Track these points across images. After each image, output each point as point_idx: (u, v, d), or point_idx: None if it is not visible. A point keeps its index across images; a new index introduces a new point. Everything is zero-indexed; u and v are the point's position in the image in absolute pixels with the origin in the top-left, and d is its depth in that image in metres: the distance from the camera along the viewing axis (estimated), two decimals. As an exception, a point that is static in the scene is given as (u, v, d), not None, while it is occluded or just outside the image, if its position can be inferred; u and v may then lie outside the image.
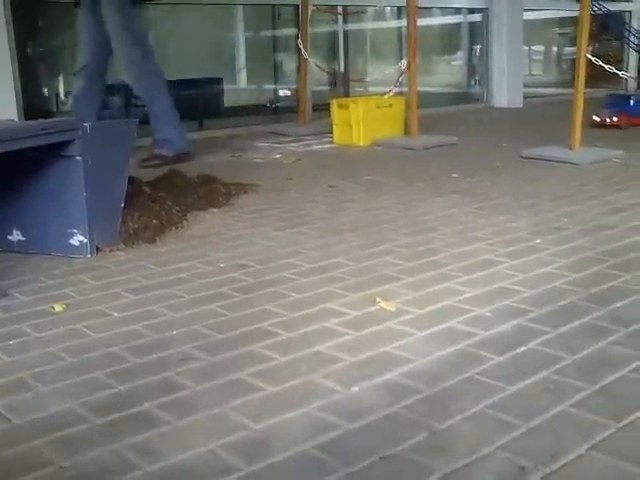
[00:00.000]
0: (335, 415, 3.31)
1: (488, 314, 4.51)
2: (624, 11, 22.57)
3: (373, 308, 4.65)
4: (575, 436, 3.09)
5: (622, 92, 14.64)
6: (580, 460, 2.93)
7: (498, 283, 5.07)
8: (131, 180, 6.68)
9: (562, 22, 22.69)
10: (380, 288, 5.01)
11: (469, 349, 4.01)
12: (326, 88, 16.66)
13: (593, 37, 16.41)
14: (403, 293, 4.91)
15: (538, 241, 6.09)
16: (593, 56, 10.84)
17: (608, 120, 12.74)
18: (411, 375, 3.71)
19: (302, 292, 4.99)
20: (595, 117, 12.84)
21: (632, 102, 13.14)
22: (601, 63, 10.58)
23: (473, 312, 4.54)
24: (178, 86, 14.58)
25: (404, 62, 13.67)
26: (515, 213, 7.08)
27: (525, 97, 18.47)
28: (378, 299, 4.75)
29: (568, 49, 22.00)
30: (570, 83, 11.71)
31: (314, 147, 11.52)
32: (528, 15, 18.98)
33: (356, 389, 3.57)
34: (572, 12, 16.08)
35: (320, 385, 3.62)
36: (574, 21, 14.75)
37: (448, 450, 3.03)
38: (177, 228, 6.74)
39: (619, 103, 13.28)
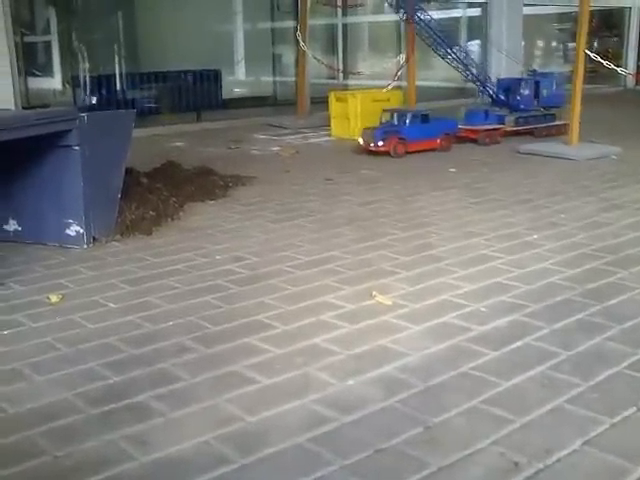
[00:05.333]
0: (330, 408, 3.32)
1: (484, 309, 4.52)
2: (624, 7, 22.60)
3: (369, 302, 4.65)
4: (569, 431, 3.10)
5: (481, 105, 12.17)
6: (574, 455, 2.94)
7: (494, 278, 5.07)
8: (128, 171, 6.66)
9: (561, 18, 22.71)
10: (376, 282, 5.01)
11: (464, 344, 4.02)
12: (325, 81, 16.62)
13: (592, 34, 16.34)
14: (399, 287, 4.92)
15: (535, 237, 6.10)
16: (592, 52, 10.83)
17: (372, 145, 10.09)
18: (406, 369, 3.71)
19: (298, 285, 4.99)
20: (360, 140, 10.46)
21: (481, 117, 11.44)
22: (600, 59, 10.56)
23: (469, 307, 4.54)
24: (175, 78, 14.63)
25: (403, 56, 13.72)
26: (511, 209, 7.08)
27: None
28: (374, 293, 4.75)
29: (568, 44, 22.00)
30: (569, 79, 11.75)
31: (312, 140, 11.51)
32: (527, 10, 18.99)
33: (351, 382, 3.57)
34: (571, 8, 16.05)
35: (315, 378, 3.63)
36: (573, 17, 14.76)
37: (442, 444, 3.04)
38: (174, 219, 6.73)
39: (449, 122, 11.13)
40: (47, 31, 14.91)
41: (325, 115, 12.52)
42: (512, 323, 4.30)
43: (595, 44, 20.59)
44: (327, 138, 11.59)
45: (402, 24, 16.12)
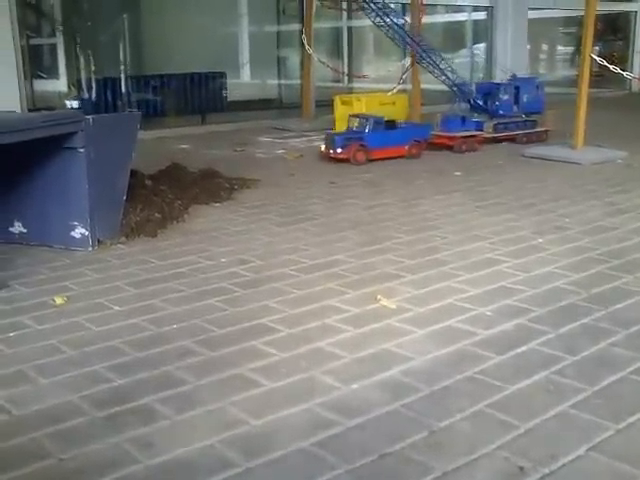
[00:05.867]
0: (335, 412, 3.31)
1: (489, 313, 4.51)
2: (629, 12, 22.59)
3: (374, 305, 4.65)
4: (574, 437, 3.09)
5: (457, 113, 11.48)
6: (579, 461, 2.93)
7: (499, 282, 5.07)
8: (133, 173, 6.67)
9: (567, 22, 22.69)
10: (381, 285, 5.01)
11: (469, 348, 4.01)
12: (330, 84, 16.62)
13: (598, 37, 16.24)
14: (404, 291, 4.91)
15: (540, 240, 6.09)
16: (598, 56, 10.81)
17: (332, 152, 9.79)
18: (411, 373, 3.71)
19: (303, 288, 4.99)
20: (322, 146, 10.15)
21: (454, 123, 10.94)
22: (606, 63, 10.55)
23: (474, 311, 4.54)
24: (180, 80, 14.64)
25: (408, 59, 13.70)
26: (516, 212, 7.08)
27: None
28: (379, 296, 4.75)
29: (572, 48, 21.99)
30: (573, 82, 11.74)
31: (317, 143, 11.47)
32: (532, 14, 19.00)
33: (356, 386, 3.57)
34: (577, 12, 16.02)
35: (320, 382, 3.63)
36: (579, 21, 14.74)
37: (447, 449, 3.03)
38: (178, 222, 6.74)
39: (419, 129, 10.90)
40: (52, 34, 14.95)
41: (330, 118, 12.52)
42: (517, 327, 4.30)
43: (600, 48, 20.51)
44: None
45: (408, 28, 16.18)
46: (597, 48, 17.92)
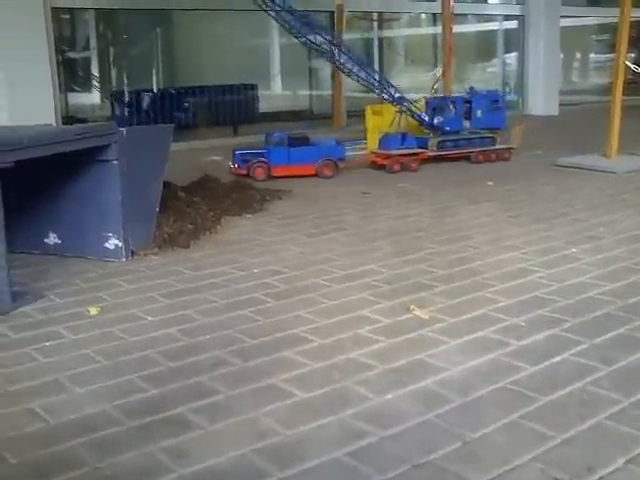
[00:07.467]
0: (368, 422, 3.31)
1: (522, 323, 4.48)
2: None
3: (406, 316, 4.64)
4: (611, 449, 3.05)
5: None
6: (617, 474, 2.89)
7: (533, 292, 5.03)
8: (166, 185, 6.73)
9: (600, 29, 22.49)
10: (414, 296, 5.00)
11: (502, 358, 3.98)
12: (361, 94, 16.62)
13: (632, 44, 15.98)
14: (437, 301, 4.89)
15: (573, 250, 6.04)
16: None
17: (232, 168, 9.63)
18: (444, 384, 3.69)
19: (335, 299, 4.99)
20: (231, 165, 9.77)
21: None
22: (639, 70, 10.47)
23: (507, 321, 4.51)
24: (213, 92, 14.75)
25: (439, 69, 13.66)
26: (549, 222, 7.02)
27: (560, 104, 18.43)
28: (412, 307, 4.73)
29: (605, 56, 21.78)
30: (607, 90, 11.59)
31: (348, 153, 11.46)
32: (565, 22, 18.89)
33: (389, 397, 3.56)
34: (610, 19, 15.90)
35: (353, 392, 3.62)
36: (612, 28, 14.60)
37: (481, 460, 3.01)
38: (211, 233, 6.78)
39: (332, 148, 10.19)
40: (87, 47, 15.16)
41: (361, 129, 12.51)
42: (551, 338, 4.26)
43: (636, 55, 20.31)
44: (363, 152, 11.52)
45: (439, 37, 16.17)
46: (632, 55, 17.69)
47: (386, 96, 10.70)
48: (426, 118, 10.83)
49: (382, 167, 10.27)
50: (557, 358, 3.96)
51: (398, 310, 4.73)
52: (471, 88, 11.82)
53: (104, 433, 3.27)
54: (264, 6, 10.10)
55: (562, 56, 19.79)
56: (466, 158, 10.83)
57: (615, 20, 10.78)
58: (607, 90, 12.06)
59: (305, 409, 3.46)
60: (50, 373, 3.91)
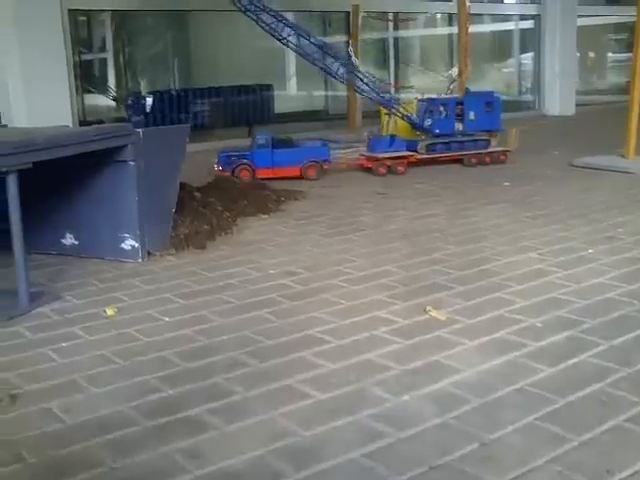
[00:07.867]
0: (385, 423, 3.30)
1: (539, 325, 4.45)
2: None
3: (423, 317, 4.62)
4: (630, 451, 3.03)
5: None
6: (636, 477, 2.86)
7: (550, 293, 5.00)
8: (182, 186, 6.74)
9: (618, 27, 22.36)
10: (430, 297, 4.98)
11: (520, 360, 3.96)
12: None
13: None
14: (454, 302, 4.87)
15: (590, 251, 6.00)
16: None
17: (216, 169, 9.46)
18: (461, 385, 3.67)
19: (351, 300, 4.98)
20: (215, 166, 9.57)
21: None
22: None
23: (524, 322, 4.48)
24: (228, 92, 14.77)
25: (455, 69, 13.62)
26: (566, 222, 6.98)
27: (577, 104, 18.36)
28: (428, 308, 4.71)
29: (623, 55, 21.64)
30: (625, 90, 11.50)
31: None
32: (582, 21, 18.80)
33: (406, 398, 3.55)
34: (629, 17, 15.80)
35: (370, 393, 3.61)
36: (630, 27, 14.50)
37: (498, 461, 2.99)
38: (227, 234, 6.78)
39: (317, 149, 10.08)
40: (103, 49, 15.21)
41: (377, 129, 12.49)
42: (568, 339, 4.23)
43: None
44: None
45: (455, 37, 16.12)
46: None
47: (374, 97, 10.53)
48: (417, 120, 10.60)
49: (369, 170, 10.14)
50: (575, 360, 3.93)
51: (414, 311, 4.71)
52: (466, 89, 11.65)
53: (120, 433, 3.27)
54: (239, 6, 9.95)
55: (578, 55, 19.70)
56: (459, 161, 10.63)
57: (633, 19, 10.70)
58: (625, 90, 11.97)
59: (321, 410, 3.45)
60: (67, 373, 3.92)
